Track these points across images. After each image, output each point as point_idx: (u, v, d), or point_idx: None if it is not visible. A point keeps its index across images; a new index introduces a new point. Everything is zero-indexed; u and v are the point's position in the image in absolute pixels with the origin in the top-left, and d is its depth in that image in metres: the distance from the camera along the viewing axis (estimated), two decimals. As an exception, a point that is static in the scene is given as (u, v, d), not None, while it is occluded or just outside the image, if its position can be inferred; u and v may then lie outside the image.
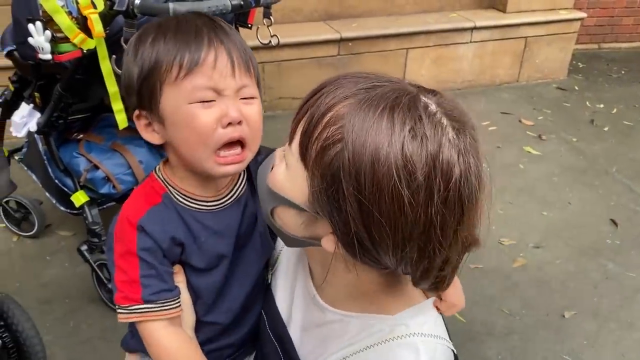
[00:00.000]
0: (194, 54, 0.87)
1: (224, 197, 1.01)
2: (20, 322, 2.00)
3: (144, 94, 0.90)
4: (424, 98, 0.70)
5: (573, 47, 5.22)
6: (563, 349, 2.45)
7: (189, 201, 0.98)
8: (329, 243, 0.76)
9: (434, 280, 0.76)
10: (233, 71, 0.89)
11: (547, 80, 5.22)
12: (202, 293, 1.01)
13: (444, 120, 0.69)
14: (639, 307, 2.71)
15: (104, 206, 2.57)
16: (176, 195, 0.98)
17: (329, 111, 0.72)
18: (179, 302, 0.97)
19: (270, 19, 2.29)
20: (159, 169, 1.02)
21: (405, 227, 0.68)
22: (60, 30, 1.84)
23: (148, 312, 0.94)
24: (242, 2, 1.99)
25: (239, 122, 0.90)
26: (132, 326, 1.06)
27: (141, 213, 0.95)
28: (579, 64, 5.61)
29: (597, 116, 4.61)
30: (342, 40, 4.31)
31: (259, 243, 1.06)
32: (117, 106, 2.06)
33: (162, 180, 0.99)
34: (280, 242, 1.11)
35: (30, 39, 1.85)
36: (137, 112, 0.94)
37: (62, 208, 2.55)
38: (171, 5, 1.79)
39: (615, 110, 4.70)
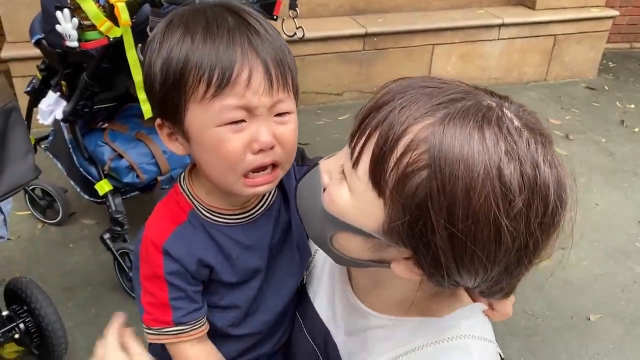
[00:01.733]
0: (225, 68, 0.76)
1: (253, 209, 0.94)
2: (43, 307, 2.02)
3: (167, 105, 0.80)
4: (507, 112, 0.66)
5: (604, 46, 5.10)
6: (587, 352, 2.39)
7: (216, 216, 0.91)
8: (402, 269, 0.73)
9: (506, 291, 0.76)
10: (270, 88, 0.79)
11: (575, 79, 5.11)
12: (235, 306, 0.97)
13: (530, 135, 0.65)
14: (667, 312, 2.64)
15: (128, 195, 2.58)
16: (202, 211, 0.91)
17: (406, 132, 0.65)
18: (205, 317, 0.95)
19: (296, 10, 2.28)
20: (183, 178, 0.94)
21: (499, 254, 0.64)
22: (87, 18, 1.85)
23: (180, 333, 0.91)
24: (269, -6, 1.97)
25: (272, 147, 0.81)
26: None
27: (166, 235, 0.88)
28: (610, 63, 5.47)
29: (627, 117, 4.50)
30: (367, 35, 4.27)
31: (295, 253, 1.00)
32: (143, 96, 2.06)
33: (187, 195, 0.92)
34: (313, 246, 1.05)
35: (57, 27, 1.86)
36: (158, 120, 0.85)
37: (86, 196, 2.58)
38: (197, -6, 1.78)
39: (644, 112, 4.59)
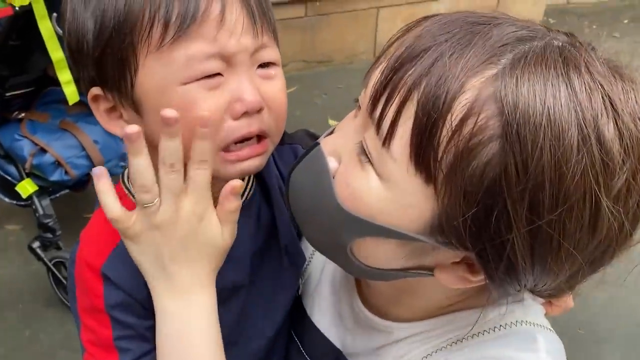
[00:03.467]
0: (187, 1, 0.59)
1: None
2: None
3: (106, 66, 0.62)
4: (591, 53, 0.50)
5: (545, 2, 5.11)
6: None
7: None
8: (450, 277, 0.57)
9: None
10: (252, 25, 0.62)
11: (520, 37, 5.10)
12: None
13: (625, 82, 0.50)
14: None
15: (57, 195, 2.28)
16: None
17: (464, 89, 0.48)
18: None
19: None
20: (127, 176, 0.74)
21: (590, 245, 0.51)
22: (-17, -17, 1.50)
23: None
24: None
25: (258, 110, 0.64)
26: None
27: (105, 253, 0.69)
28: (550, 19, 5.48)
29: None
30: (309, 0, 4.03)
31: (284, 259, 0.81)
32: (65, 77, 1.76)
33: (134, 196, 0.71)
34: (308, 249, 0.85)
35: (-54, -5, 1.51)
36: (94, 91, 0.65)
37: (6, 199, 2.27)
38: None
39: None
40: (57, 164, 2.07)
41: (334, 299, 0.80)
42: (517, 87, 0.48)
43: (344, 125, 0.61)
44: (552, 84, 0.48)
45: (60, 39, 1.69)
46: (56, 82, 2.20)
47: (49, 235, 2.14)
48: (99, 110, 0.67)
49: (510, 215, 0.48)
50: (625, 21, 5.65)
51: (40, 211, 2.12)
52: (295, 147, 0.85)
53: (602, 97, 0.48)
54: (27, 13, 1.63)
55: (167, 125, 0.58)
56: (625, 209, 0.50)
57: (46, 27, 1.63)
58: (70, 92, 1.80)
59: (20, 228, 2.66)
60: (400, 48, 0.53)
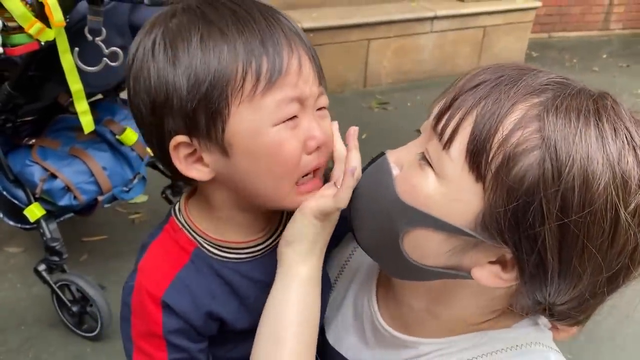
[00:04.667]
0: (274, 57, 0.66)
1: (272, 236, 0.80)
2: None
3: (198, 117, 0.67)
4: (620, 103, 0.61)
5: (528, 37, 5.26)
6: None
7: (228, 252, 0.77)
8: (486, 274, 0.64)
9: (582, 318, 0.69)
10: (316, 75, 0.70)
11: (504, 69, 5.23)
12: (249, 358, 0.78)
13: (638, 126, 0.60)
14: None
15: (61, 218, 2.29)
16: (210, 248, 0.77)
17: (514, 109, 0.59)
18: None
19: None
20: (179, 211, 0.79)
21: (609, 254, 0.58)
22: (12, 19, 1.57)
23: None
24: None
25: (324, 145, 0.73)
26: None
27: (165, 283, 0.74)
28: (533, 52, 5.65)
29: (557, 105, 4.64)
30: (303, 31, 4.12)
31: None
32: (82, 107, 1.81)
33: (189, 230, 0.77)
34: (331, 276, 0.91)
35: (-25, 30, 1.56)
36: (179, 139, 0.69)
37: (11, 223, 2.26)
38: (146, -12, 1.56)
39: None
40: (67, 189, 2.08)
41: (357, 322, 0.84)
42: (556, 112, 0.58)
43: (409, 144, 0.72)
44: (584, 115, 0.57)
45: (79, 71, 1.74)
46: (66, 110, 2.28)
47: (56, 258, 2.15)
48: (179, 156, 0.70)
49: (543, 212, 0.57)
50: (604, 56, 5.82)
51: (48, 235, 2.12)
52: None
53: (625, 134, 0.58)
54: (49, 47, 1.68)
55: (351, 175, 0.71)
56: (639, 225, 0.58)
57: (67, 60, 1.69)
58: (87, 122, 1.85)
59: (22, 251, 2.66)
60: (464, 81, 0.65)
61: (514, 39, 5.14)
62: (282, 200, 0.73)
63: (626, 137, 0.58)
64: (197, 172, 0.71)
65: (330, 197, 0.71)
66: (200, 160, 0.71)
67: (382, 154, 0.72)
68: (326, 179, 0.77)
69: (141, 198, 2.49)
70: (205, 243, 0.77)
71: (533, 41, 5.80)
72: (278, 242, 0.77)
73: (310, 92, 0.69)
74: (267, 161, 0.68)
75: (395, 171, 0.68)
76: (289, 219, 0.81)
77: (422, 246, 0.66)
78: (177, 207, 0.80)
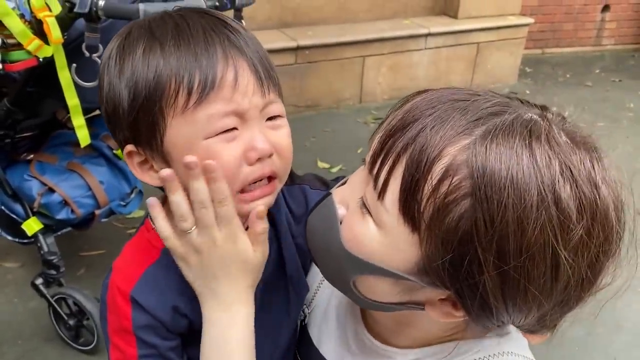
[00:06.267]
0: (206, 71, 0.68)
1: None
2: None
3: (140, 127, 0.71)
4: (554, 126, 0.58)
5: (521, 53, 5.32)
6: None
7: None
8: (438, 312, 0.64)
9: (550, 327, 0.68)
10: (260, 87, 0.70)
11: (498, 84, 5.28)
12: None
13: (582, 151, 0.57)
14: None
15: (59, 232, 2.31)
16: None
17: (442, 155, 0.56)
18: None
19: (241, 22, 2.13)
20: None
21: (555, 289, 0.57)
22: (11, 36, 1.61)
23: None
24: (217, 3, 1.82)
25: (269, 155, 0.73)
26: None
27: (134, 280, 0.77)
28: (526, 68, 5.72)
29: (551, 119, 4.68)
30: (298, 48, 4.19)
31: (290, 289, 0.88)
32: (78, 121, 1.84)
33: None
34: (316, 278, 0.93)
35: (-25, 47, 1.61)
36: (128, 148, 0.74)
37: (9, 237, 2.29)
38: (141, 6, 1.60)
39: (567, 113, 4.75)
40: (64, 203, 2.11)
41: (340, 328, 0.85)
42: (486, 154, 0.55)
43: (353, 178, 0.70)
44: (516, 152, 0.55)
45: (76, 86, 1.78)
46: (63, 126, 2.32)
47: (53, 272, 2.17)
48: (133, 164, 0.75)
49: (480, 261, 0.55)
50: (597, 71, 5.87)
51: (45, 248, 2.14)
52: (304, 187, 0.93)
53: (560, 164, 0.55)
54: (47, 63, 1.72)
55: (190, 169, 0.68)
56: (584, 259, 0.56)
57: (65, 76, 1.73)
58: (83, 136, 1.88)
59: (19, 266, 2.68)
60: (396, 119, 0.62)
61: (507, 55, 5.20)
62: None
63: (562, 168, 0.55)
64: (150, 178, 0.75)
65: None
66: (152, 167, 0.74)
67: (329, 193, 0.71)
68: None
69: (138, 212, 2.51)
70: None
71: (526, 57, 5.86)
72: None
73: (250, 104, 0.70)
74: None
75: (341, 212, 0.68)
76: None
77: (373, 289, 0.67)
78: None
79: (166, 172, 0.70)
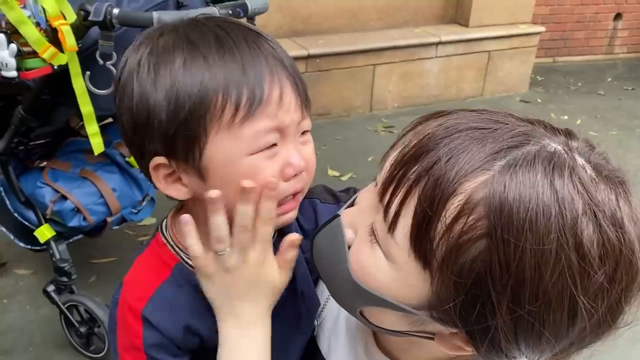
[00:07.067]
0: (254, 86, 0.66)
1: None
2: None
3: (177, 140, 0.67)
4: (578, 157, 0.54)
5: (533, 61, 5.30)
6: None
7: None
8: (448, 345, 0.62)
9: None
10: (298, 102, 0.70)
11: (510, 93, 5.26)
12: None
13: (607, 186, 0.54)
14: None
15: (71, 240, 2.32)
16: (191, 264, 0.76)
17: (458, 192, 0.53)
18: None
19: (255, 31, 2.13)
20: (166, 226, 0.80)
21: (571, 332, 0.55)
22: (26, 44, 1.62)
23: None
24: (230, 12, 1.82)
25: (302, 171, 0.73)
26: None
27: (145, 298, 0.76)
28: (538, 77, 5.70)
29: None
30: (309, 57, 4.20)
31: (301, 304, 0.87)
32: (92, 129, 1.84)
33: (172, 246, 0.78)
34: (325, 289, 0.91)
35: (-9, 54, 1.61)
36: (158, 160, 0.70)
37: (21, 244, 2.30)
38: (155, 14, 1.61)
39: (579, 122, 4.76)
40: (77, 210, 2.11)
41: (350, 341, 0.84)
42: (504, 193, 0.51)
43: (363, 199, 0.67)
44: (536, 192, 0.51)
45: (90, 94, 1.79)
46: (77, 133, 2.33)
47: (65, 279, 2.17)
48: (158, 176, 0.72)
49: (494, 304, 0.53)
50: (609, 79, 5.83)
51: (57, 255, 2.14)
52: (314, 201, 0.91)
53: (584, 205, 0.51)
54: (61, 71, 1.73)
55: (246, 193, 0.67)
56: (603, 303, 0.53)
57: (79, 84, 1.73)
58: (97, 143, 1.88)
59: (31, 273, 2.68)
60: (409, 145, 0.58)
61: (518, 63, 5.18)
62: None
63: (585, 208, 0.51)
64: (176, 191, 0.73)
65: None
66: (179, 180, 0.72)
67: (337, 215, 0.68)
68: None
69: (150, 220, 2.51)
70: (187, 258, 0.77)
71: (538, 65, 5.84)
72: None
73: (291, 120, 0.69)
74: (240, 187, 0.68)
75: (349, 235, 0.65)
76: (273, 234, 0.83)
77: (381, 318, 0.65)
78: (164, 223, 0.82)
79: (215, 193, 0.68)
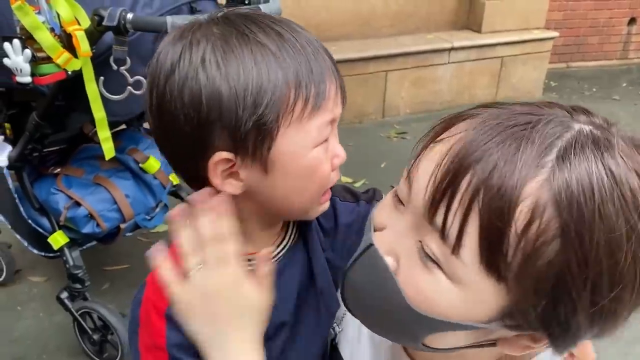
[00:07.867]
0: (319, 83, 0.68)
1: (279, 245, 0.83)
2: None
3: (249, 136, 0.66)
4: (621, 142, 0.53)
5: (546, 67, 5.26)
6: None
7: None
8: (513, 347, 0.61)
9: None
10: (341, 96, 0.73)
11: (523, 99, 5.18)
12: None
13: None
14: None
15: (84, 247, 2.32)
16: None
17: (522, 197, 0.51)
18: None
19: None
20: None
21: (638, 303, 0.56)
22: (41, 49, 1.62)
23: None
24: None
25: None
26: None
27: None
28: (551, 82, 5.65)
29: (578, 133, 4.60)
30: (322, 63, 4.19)
31: (320, 302, 0.86)
32: (104, 134, 1.84)
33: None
34: None
35: (6, 60, 1.62)
36: (223, 155, 0.68)
37: (35, 251, 2.30)
38: (169, 19, 1.60)
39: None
40: (90, 217, 2.11)
41: (375, 350, 0.81)
42: (568, 188, 0.50)
43: (391, 221, 0.62)
44: (596, 179, 0.50)
45: (103, 100, 1.79)
46: (90, 140, 2.33)
47: (78, 286, 2.16)
48: (216, 172, 0.70)
49: (574, 301, 0.52)
50: (624, 84, 5.78)
51: (71, 262, 2.14)
52: (333, 199, 0.89)
53: (638, 179, 0.52)
54: (75, 77, 1.73)
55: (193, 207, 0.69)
56: None
57: (92, 89, 1.73)
58: (108, 148, 1.87)
59: (44, 280, 2.68)
60: (450, 155, 0.55)
61: (532, 68, 5.14)
62: (309, 212, 0.77)
63: (637, 182, 0.52)
64: (230, 186, 0.71)
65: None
66: (235, 174, 0.71)
67: (371, 244, 0.61)
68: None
69: (163, 227, 2.51)
70: None
71: (551, 71, 5.80)
72: (283, 253, 0.82)
73: (339, 112, 0.73)
74: (304, 180, 0.72)
75: (391, 263, 0.60)
76: (294, 231, 0.85)
77: (445, 341, 0.62)
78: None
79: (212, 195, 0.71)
